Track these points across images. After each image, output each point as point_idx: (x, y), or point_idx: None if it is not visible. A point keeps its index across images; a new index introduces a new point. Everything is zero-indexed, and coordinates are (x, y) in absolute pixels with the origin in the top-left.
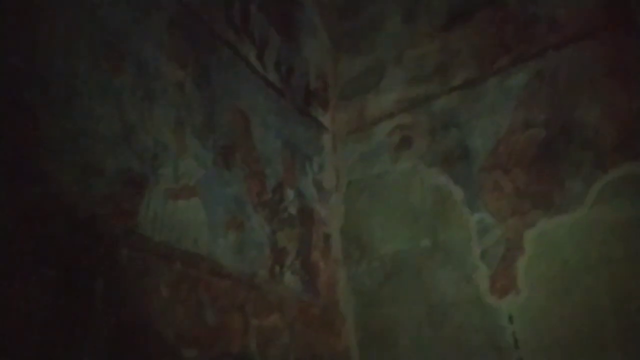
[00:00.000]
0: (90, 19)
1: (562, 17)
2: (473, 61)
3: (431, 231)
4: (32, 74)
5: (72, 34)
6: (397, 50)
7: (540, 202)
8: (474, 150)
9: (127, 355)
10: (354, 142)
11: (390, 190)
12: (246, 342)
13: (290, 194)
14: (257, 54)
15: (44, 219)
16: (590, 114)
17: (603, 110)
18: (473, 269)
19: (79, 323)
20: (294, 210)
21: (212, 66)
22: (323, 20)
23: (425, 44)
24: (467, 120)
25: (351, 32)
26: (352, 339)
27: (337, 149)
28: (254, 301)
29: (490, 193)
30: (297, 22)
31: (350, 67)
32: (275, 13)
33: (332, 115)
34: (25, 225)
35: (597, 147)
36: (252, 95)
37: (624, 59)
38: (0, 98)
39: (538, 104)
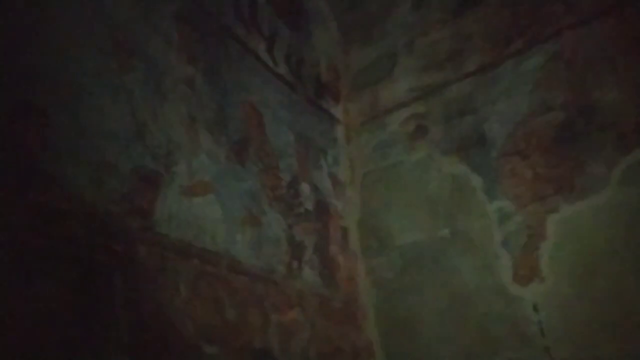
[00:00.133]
0: (97, 17)
1: None
2: (487, 45)
3: (450, 220)
4: (41, 74)
5: (79, 33)
6: (408, 38)
7: (562, 187)
8: (491, 136)
9: (148, 352)
10: (368, 133)
11: (407, 180)
12: (267, 338)
13: (305, 188)
14: (267, 47)
15: (60, 219)
16: (609, 94)
17: (622, 90)
18: (494, 257)
19: (99, 321)
20: (309, 204)
21: (221, 61)
22: (332, 10)
23: (436, 30)
24: (483, 106)
25: (361, 21)
26: (373, 331)
27: (351, 141)
28: (273, 296)
29: (509, 179)
30: (305, 13)
31: (361, 57)
32: (283, 5)
33: (345, 107)
34: (42, 226)
35: (618, 128)
36: (262, 89)
37: None
38: (11, 100)
39: (555, 87)
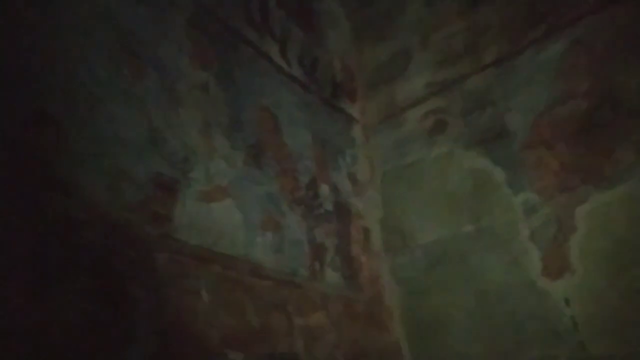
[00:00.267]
0: (108, 26)
1: None
2: (504, 35)
3: (474, 216)
4: (54, 84)
5: (91, 42)
6: (422, 33)
7: (590, 176)
8: (513, 127)
9: None
10: (386, 130)
11: (428, 177)
12: (292, 342)
13: (324, 189)
14: (280, 49)
15: (78, 228)
16: (633, 79)
17: None
18: (522, 251)
19: (120, 330)
20: (329, 205)
21: (234, 65)
22: (343, 9)
23: (451, 23)
24: (503, 97)
25: (373, 19)
26: (400, 332)
27: (368, 140)
28: (296, 300)
29: (534, 171)
30: (317, 13)
31: (375, 54)
32: (294, 6)
33: (361, 106)
34: (59, 235)
35: None
36: (277, 91)
37: None
38: (25, 110)
39: (577, 74)
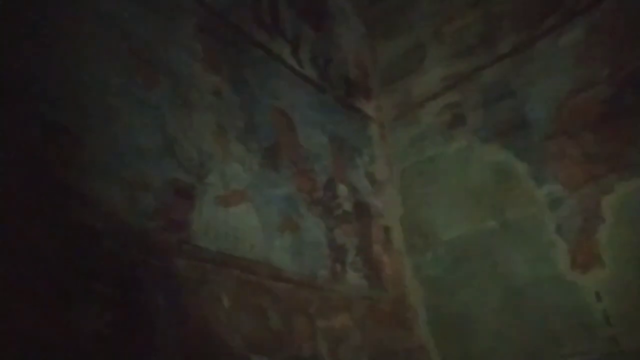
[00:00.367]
0: (119, 35)
1: None
2: (519, 24)
3: (497, 210)
4: (68, 96)
5: (102, 52)
6: (435, 26)
7: (615, 164)
8: (533, 118)
9: None
10: (403, 127)
11: (448, 173)
12: (315, 345)
13: (342, 189)
14: (292, 50)
15: (97, 238)
16: None
17: None
18: (549, 245)
19: (143, 339)
20: (348, 205)
21: (246, 68)
22: (354, 6)
23: (464, 15)
24: (522, 87)
25: (385, 15)
26: (426, 331)
27: (385, 138)
28: (318, 302)
29: (557, 162)
30: (328, 12)
31: (388, 51)
32: (305, 6)
33: (376, 103)
34: (79, 246)
35: None
36: (291, 93)
37: None
38: (40, 123)
39: (597, 59)
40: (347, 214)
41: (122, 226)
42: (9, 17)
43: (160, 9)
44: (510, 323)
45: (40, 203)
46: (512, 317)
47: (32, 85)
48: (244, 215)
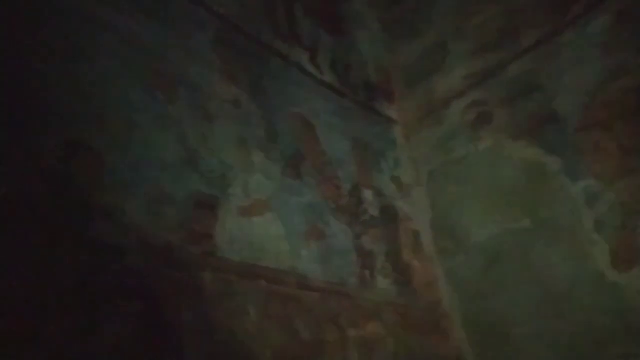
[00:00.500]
0: (137, 52)
1: None
2: (543, 15)
3: (530, 209)
4: (88, 114)
5: (122, 69)
6: (455, 23)
7: None
8: (563, 111)
9: None
10: (427, 129)
11: (476, 173)
12: (346, 355)
13: (368, 194)
14: (310, 57)
15: (120, 254)
16: None
17: None
18: (587, 243)
19: (169, 354)
20: (375, 210)
21: (265, 77)
22: (372, 9)
23: (485, 9)
24: (549, 80)
25: (404, 17)
26: (462, 338)
27: (410, 140)
28: (348, 311)
29: (592, 156)
30: (345, 17)
31: (409, 52)
32: (321, 12)
33: (399, 106)
34: (103, 262)
35: None
36: (311, 100)
37: None
38: (62, 141)
39: (627, 47)
40: (374, 220)
41: (145, 241)
42: (28, 38)
43: (177, 24)
44: (550, 327)
45: (62, 220)
46: (552, 321)
47: (53, 103)
48: (268, 225)
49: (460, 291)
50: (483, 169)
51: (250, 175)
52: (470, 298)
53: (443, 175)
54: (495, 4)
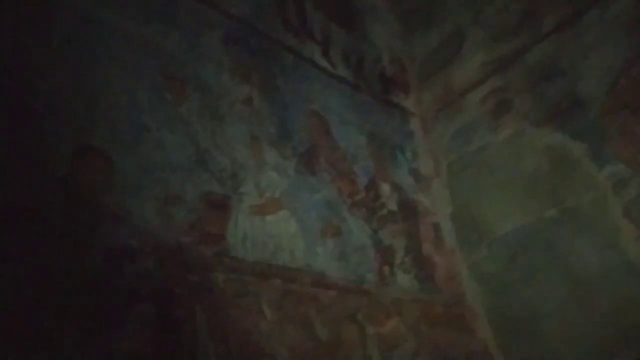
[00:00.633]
0: (146, 54)
1: None
2: None
3: (555, 198)
4: (97, 118)
5: (130, 72)
6: (472, 10)
7: None
8: (587, 95)
9: None
10: (446, 119)
11: (498, 162)
12: (366, 353)
13: (385, 188)
14: (322, 52)
15: (132, 257)
16: None
17: None
18: (616, 231)
19: (183, 356)
20: (393, 204)
21: (277, 74)
22: (386, 1)
23: None
24: (571, 64)
25: (419, 6)
26: (487, 333)
27: (428, 132)
28: (367, 308)
29: (619, 140)
30: (357, 10)
31: (424, 42)
32: (332, 6)
33: (416, 97)
34: (114, 266)
35: None
36: (324, 94)
37: None
38: (71, 146)
39: None
40: (392, 214)
41: (157, 243)
42: (36, 44)
43: (184, 24)
44: (579, 319)
45: (73, 224)
46: (581, 313)
47: (62, 108)
48: (282, 223)
49: (484, 285)
50: (504, 158)
51: (262, 173)
52: (495, 292)
53: (463, 167)
54: None
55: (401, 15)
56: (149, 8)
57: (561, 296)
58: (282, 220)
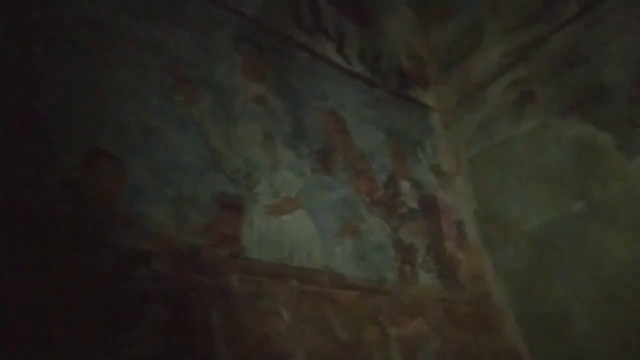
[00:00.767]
0: (155, 56)
1: None
2: None
3: (583, 191)
4: (108, 121)
5: (140, 74)
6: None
7: None
8: (613, 82)
9: None
10: (466, 113)
11: (521, 156)
12: (388, 355)
13: (405, 185)
14: (337, 48)
15: (145, 259)
16: None
17: None
18: None
19: (200, 359)
20: (413, 202)
21: (291, 72)
22: None
23: None
24: (595, 50)
25: None
26: (515, 332)
27: (448, 126)
28: (388, 308)
29: None
30: (373, 5)
31: (442, 34)
32: (346, 1)
33: (435, 91)
34: (127, 269)
35: None
36: (339, 92)
37: None
38: (81, 150)
39: None
40: (412, 212)
41: (170, 245)
42: (45, 50)
43: (194, 24)
44: (609, 317)
45: (86, 228)
46: (612, 310)
47: (72, 113)
48: (298, 223)
49: (510, 283)
50: (528, 151)
51: (277, 173)
52: (522, 290)
53: (486, 161)
54: None
55: (417, 7)
56: (157, 9)
57: (591, 294)
58: (298, 220)
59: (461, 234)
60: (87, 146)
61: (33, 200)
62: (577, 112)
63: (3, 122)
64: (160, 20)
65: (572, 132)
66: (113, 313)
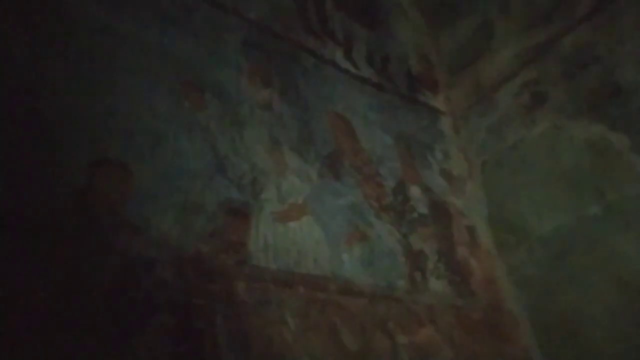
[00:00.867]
0: (163, 62)
1: None
2: None
3: (598, 194)
4: (114, 128)
5: (147, 80)
6: (500, 0)
7: None
8: (627, 82)
9: None
10: (477, 116)
11: (535, 159)
12: None
13: (414, 190)
14: (344, 52)
15: (151, 266)
16: None
17: None
18: None
19: None
20: (423, 207)
21: (298, 77)
22: None
23: None
24: (608, 50)
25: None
26: (529, 339)
27: (459, 130)
28: (397, 316)
29: None
30: (380, 8)
31: (452, 37)
32: (354, 5)
33: (445, 95)
34: (134, 276)
35: None
36: (347, 96)
37: None
38: (88, 157)
39: None
40: (422, 217)
41: (176, 252)
42: (52, 57)
43: (201, 31)
44: (628, 324)
45: (91, 235)
46: (630, 316)
47: (78, 118)
48: (305, 230)
49: (524, 289)
50: (541, 154)
51: (284, 179)
52: (536, 296)
53: (498, 165)
54: None
55: (426, 10)
56: (165, 16)
57: (607, 299)
58: (305, 227)
59: (473, 240)
60: (94, 153)
61: (40, 207)
62: (590, 114)
63: (11, 128)
64: (168, 27)
65: (586, 134)
66: (119, 320)
